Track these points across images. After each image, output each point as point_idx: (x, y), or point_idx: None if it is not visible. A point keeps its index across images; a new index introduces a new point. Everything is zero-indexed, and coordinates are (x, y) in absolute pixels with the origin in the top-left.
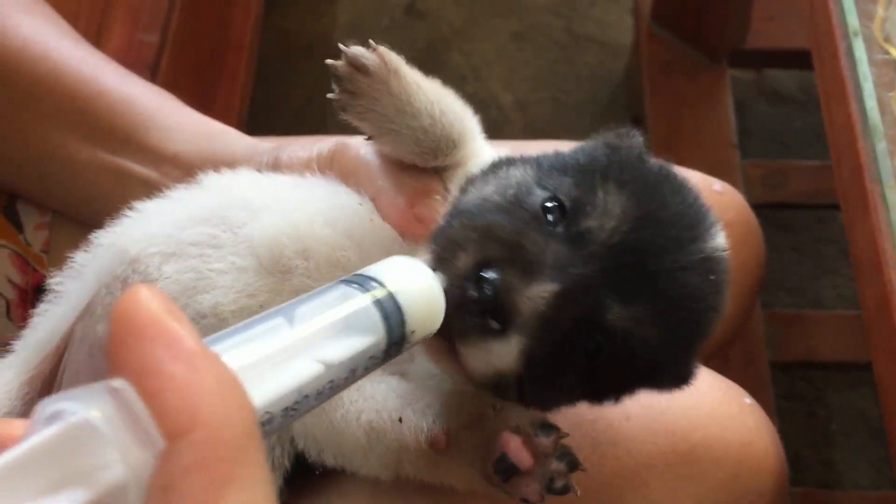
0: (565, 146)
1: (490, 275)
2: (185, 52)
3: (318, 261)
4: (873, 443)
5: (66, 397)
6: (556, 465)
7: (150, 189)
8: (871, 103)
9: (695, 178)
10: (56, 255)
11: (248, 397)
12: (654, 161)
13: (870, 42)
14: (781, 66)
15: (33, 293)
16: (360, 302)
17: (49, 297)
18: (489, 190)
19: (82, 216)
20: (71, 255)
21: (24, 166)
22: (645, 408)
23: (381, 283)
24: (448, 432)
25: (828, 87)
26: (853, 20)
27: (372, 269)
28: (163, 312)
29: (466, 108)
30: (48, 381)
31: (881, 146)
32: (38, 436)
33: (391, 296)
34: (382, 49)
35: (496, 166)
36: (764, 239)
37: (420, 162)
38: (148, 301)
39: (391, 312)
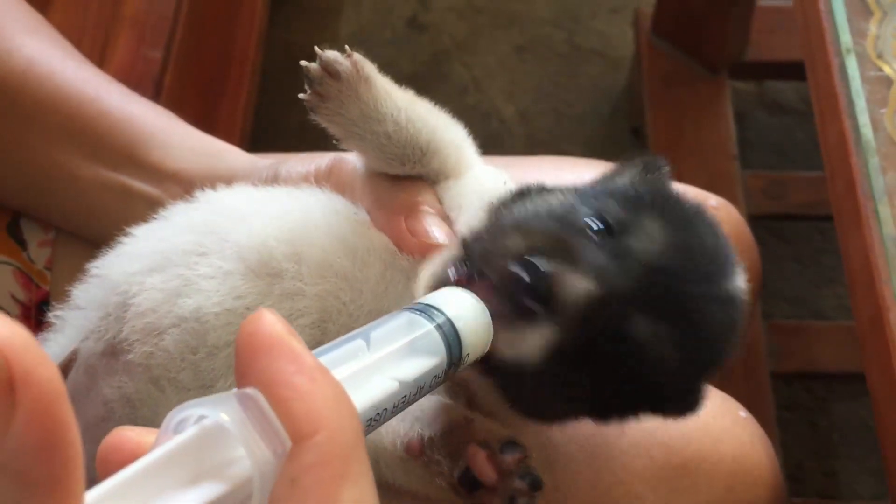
0: (567, 161)
1: (537, 260)
2: (189, 67)
3: (309, 265)
4: (875, 453)
5: (195, 405)
6: (519, 484)
7: (152, 205)
8: (863, 119)
9: (691, 194)
10: (59, 272)
11: (355, 407)
12: (691, 198)
13: (862, 59)
14: (782, 77)
15: (37, 310)
16: (426, 327)
17: (51, 327)
18: (530, 207)
19: (85, 233)
20: (76, 275)
21: (28, 184)
22: (640, 422)
23: (441, 311)
24: (421, 439)
25: (821, 102)
26: (846, 37)
27: (432, 298)
28: (285, 333)
29: (453, 122)
30: None
31: (873, 162)
32: (178, 437)
33: (450, 322)
34: (357, 56)
35: (525, 193)
36: (761, 252)
37: (389, 169)
38: (272, 323)
39: (451, 337)
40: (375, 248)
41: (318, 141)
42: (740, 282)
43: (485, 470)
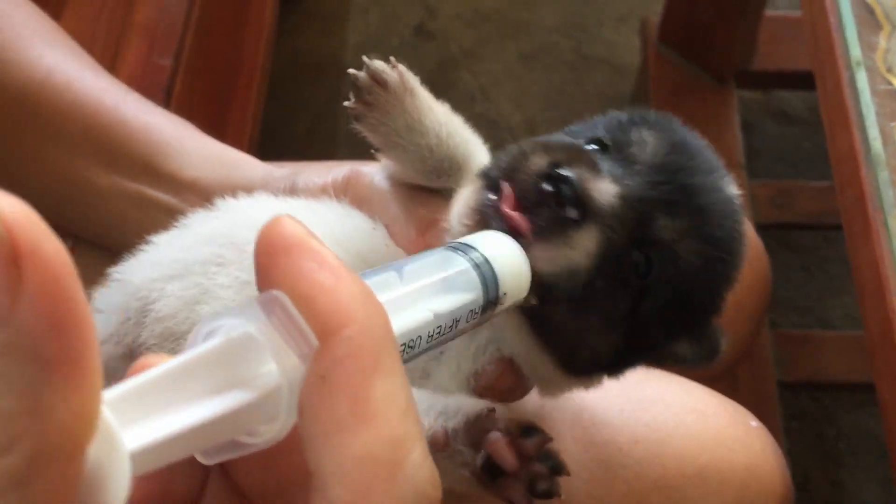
0: None
1: (565, 171)
2: (199, 74)
3: None
4: (882, 463)
5: (221, 315)
6: (539, 468)
7: (168, 214)
8: (873, 133)
9: None
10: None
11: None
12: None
13: (872, 73)
14: (789, 86)
15: None
16: (461, 263)
17: None
18: (530, 142)
19: (103, 241)
20: (93, 283)
21: (46, 193)
22: (653, 431)
23: (477, 249)
24: (445, 431)
25: (831, 115)
26: (856, 51)
27: (469, 238)
28: (306, 233)
29: (475, 135)
30: None
31: (883, 175)
32: (201, 347)
33: (487, 261)
34: (402, 67)
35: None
36: (771, 260)
37: (424, 181)
38: (292, 225)
39: (487, 274)
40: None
41: (326, 147)
42: (732, 184)
43: (505, 455)
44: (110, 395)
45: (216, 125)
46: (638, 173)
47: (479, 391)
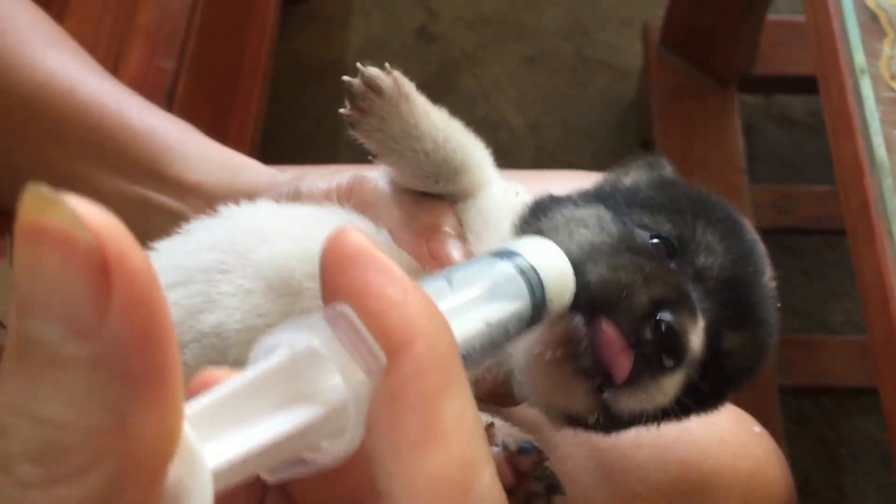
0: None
1: (668, 317)
2: (201, 77)
3: None
4: (883, 468)
5: (286, 328)
6: (535, 486)
7: (172, 218)
8: (877, 140)
9: None
10: None
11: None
12: (711, 193)
13: (876, 80)
14: (790, 91)
15: None
16: (508, 271)
17: None
18: (586, 233)
19: None
20: None
21: None
22: (656, 437)
23: (523, 257)
24: None
25: (835, 122)
26: (860, 58)
27: (515, 245)
28: (372, 245)
29: (476, 139)
30: None
31: (887, 182)
32: (267, 362)
33: (533, 268)
34: (397, 73)
35: (544, 205)
36: (772, 266)
37: (422, 186)
38: (358, 236)
39: (534, 282)
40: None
41: (327, 150)
42: (770, 274)
43: (501, 471)
44: (189, 411)
45: (218, 128)
46: (710, 292)
47: (477, 396)
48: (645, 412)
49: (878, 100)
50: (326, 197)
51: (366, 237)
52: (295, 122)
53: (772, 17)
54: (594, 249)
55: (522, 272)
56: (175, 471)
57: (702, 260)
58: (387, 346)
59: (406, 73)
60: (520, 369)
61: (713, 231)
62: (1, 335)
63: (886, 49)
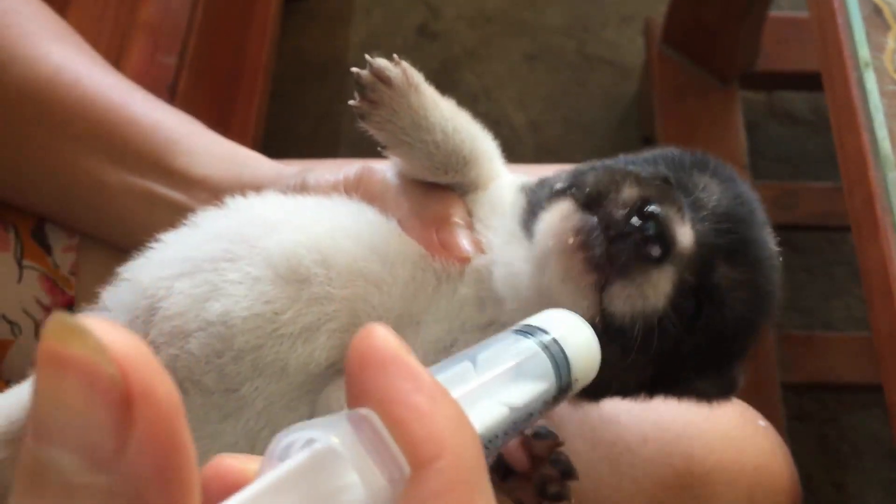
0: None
1: (654, 208)
2: (203, 73)
3: (338, 269)
4: (885, 464)
5: (303, 427)
6: (550, 471)
7: (177, 211)
8: (882, 134)
9: None
10: (84, 278)
11: (475, 430)
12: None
13: (881, 73)
14: (793, 87)
15: None
16: (534, 350)
17: None
18: (593, 170)
19: (111, 238)
20: (101, 280)
21: (54, 190)
22: (663, 430)
23: (547, 332)
24: None
25: (839, 116)
26: (864, 52)
27: (538, 320)
28: (401, 348)
29: (483, 131)
30: None
31: (892, 176)
32: (288, 462)
33: (559, 346)
34: (406, 64)
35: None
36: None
37: (431, 177)
38: (386, 338)
39: (560, 361)
40: (405, 253)
41: (328, 147)
42: (773, 239)
43: (516, 456)
44: None
45: (220, 124)
46: (706, 219)
47: None
48: (642, 317)
49: (883, 93)
50: (334, 189)
51: (394, 337)
52: (296, 120)
53: (774, 13)
54: (596, 170)
55: (546, 348)
56: None
57: (698, 194)
58: (412, 459)
59: None
60: (529, 263)
61: (712, 178)
62: (1, 328)
63: (891, 42)
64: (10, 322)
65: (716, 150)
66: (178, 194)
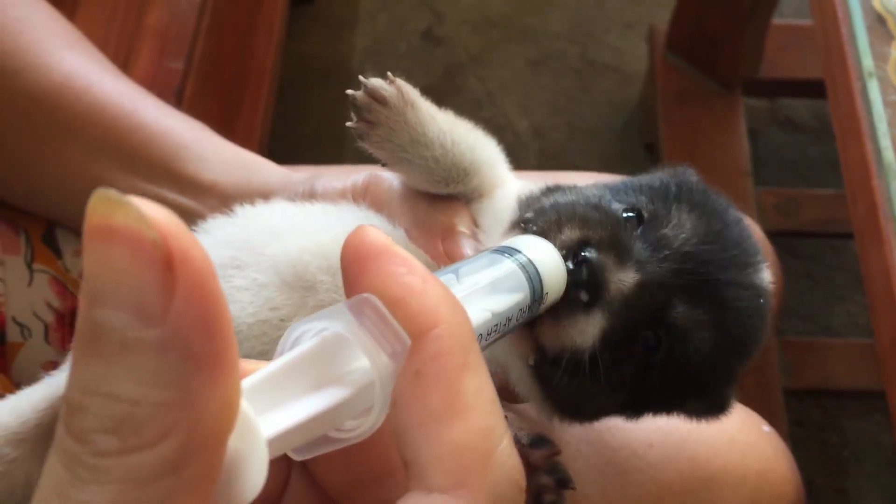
0: (583, 176)
1: (589, 253)
2: (209, 78)
3: None
4: (886, 470)
5: (311, 319)
6: (545, 480)
7: (188, 217)
8: (885, 143)
9: None
10: None
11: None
12: (717, 194)
13: (884, 83)
14: (795, 94)
15: (71, 317)
16: (510, 266)
17: None
18: (569, 197)
19: None
20: None
21: (65, 196)
22: (667, 435)
23: (522, 253)
24: None
25: (843, 125)
26: (868, 62)
27: (512, 242)
28: (391, 242)
29: (487, 139)
30: None
31: (895, 185)
32: (300, 348)
33: (531, 262)
34: (400, 81)
35: (553, 190)
36: (777, 270)
37: (433, 189)
38: (377, 233)
39: (533, 276)
40: None
41: (333, 152)
42: (766, 275)
43: None
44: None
45: (226, 128)
46: (665, 259)
47: None
48: (571, 352)
49: (886, 103)
50: (341, 196)
51: (384, 234)
52: (300, 124)
53: (777, 21)
54: (559, 205)
55: (522, 267)
56: (234, 441)
57: (667, 231)
58: (411, 330)
59: (411, 75)
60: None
61: (691, 213)
62: (11, 331)
63: (894, 52)
64: (21, 325)
65: (718, 157)
66: (187, 200)
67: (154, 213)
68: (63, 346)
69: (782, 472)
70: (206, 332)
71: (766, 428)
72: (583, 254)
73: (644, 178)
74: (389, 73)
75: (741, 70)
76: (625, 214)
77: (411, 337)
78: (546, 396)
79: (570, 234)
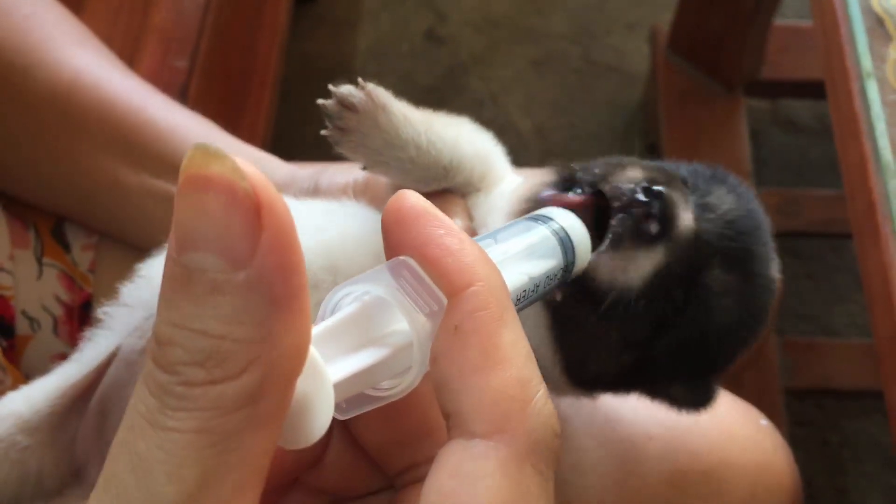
0: None
1: (661, 188)
2: (213, 76)
3: (345, 276)
4: (886, 470)
5: (351, 283)
6: None
7: None
8: (883, 142)
9: None
10: (102, 275)
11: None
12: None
13: (882, 83)
14: (797, 96)
15: (79, 311)
16: (545, 232)
17: (99, 323)
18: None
19: (129, 238)
20: (118, 278)
21: (74, 190)
22: (667, 429)
23: (556, 221)
24: None
25: (842, 126)
26: (867, 62)
27: (546, 211)
28: (431, 206)
29: (480, 135)
30: (85, 392)
31: (893, 184)
32: (341, 312)
33: (564, 230)
34: (371, 86)
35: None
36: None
37: (415, 188)
38: (417, 198)
39: (566, 244)
40: None
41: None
42: (776, 268)
43: None
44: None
45: (230, 127)
46: (712, 221)
47: None
48: (617, 290)
49: (885, 103)
50: (343, 192)
51: (423, 199)
52: (303, 123)
53: (778, 22)
54: (614, 159)
55: (556, 234)
56: (302, 384)
57: (711, 199)
58: (448, 288)
59: (414, 75)
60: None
61: (728, 190)
62: (21, 324)
63: (892, 53)
64: (30, 318)
65: (720, 157)
66: None
67: (246, 166)
68: (71, 339)
69: (781, 466)
70: (286, 277)
71: (765, 422)
72: (655, 188)
73: (673, 163)
74: (360, 80)
75: (743, 71)
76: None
77: (450, 294)
78: (559, 346)
79: (636, 172)
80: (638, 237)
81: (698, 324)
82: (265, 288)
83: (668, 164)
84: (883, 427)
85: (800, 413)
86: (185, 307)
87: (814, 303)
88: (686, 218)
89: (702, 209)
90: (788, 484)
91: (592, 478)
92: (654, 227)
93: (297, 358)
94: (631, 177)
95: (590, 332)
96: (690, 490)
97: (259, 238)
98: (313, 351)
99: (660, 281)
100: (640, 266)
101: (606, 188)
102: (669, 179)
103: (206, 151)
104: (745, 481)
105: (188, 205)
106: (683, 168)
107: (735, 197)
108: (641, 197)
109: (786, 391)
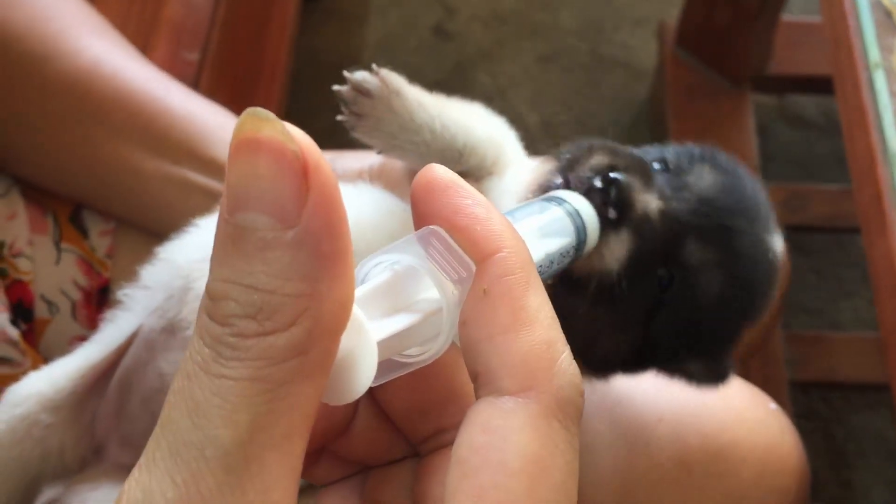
0: None
1: (617, 175)
2: (224, 70)
3: (361, 258)
4: (890, 464)
5: (382, 252)
6: None
7: (211, 198)
8: (890, 133)
9: None
10: (119, 260)
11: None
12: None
13: (890, 74)
14: (803, 91)
15: (97, 295)
16: (559, 212)
17: (119, 304)
18: (602, 144)
19: (146, 224)
20: (135, 263)
21: (93, 177)
22: (676, 411)
23: (569, 202)
24: None
25: (849, 116)
26: (874, 54)
27: (559, 193)
28: (458, 178)
29: (493, 120)
30: (106, 372)
31: None
32: (372, 281)
33: (577, 211)
34: (384, 72)
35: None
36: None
37: None
38: (445, 170)
39: (578, 224)
40: None
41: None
42: (779, 244)
43: None
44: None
45: None
46: (685, 200)
47: None
48: (598, 276)
49: (892, 93)
50: (359, 177)
51: (451, 172)
52: (312, 118)
53: (786, 17)
54: (592, 141)
55: (570, 215)
56: (345, 341)
57: (688, 178)
58: (477, 255)
59: (422, 69)
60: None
61: (713, 171)
62: (40, 308)
63: None
64: (49, 302)
65: (727, 152)
66: (212, 181)
67: (294, 130)
68: (89, 322)
69: (788, 448)
70: (332, 234)
71: (773, 405)
72: (611, 175)
73: (673, 146)
74: (374, 66)
75: (750, 66)
76: (654, 163)
77: (478, 260)
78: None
79: (599, 159)
80: (604, 223)
81: (686, 298)
82: (312, 245)
83: (650, 148)
84: (887, 420)
85: (805, 406)
86: (237, 264)
87: (819, 297)
88: (645, 200)
89: (676, 189)
90: (796, 466)
91: (604, 458)
92: (612, 213)
93: (342, 313)
94: (593, 164)
95: (586, 320)
96: (699, 470)
97: (306, 198)
98: (356, 309)
99: (637, 262)
100: (614, 250)
101: (570, 176)
102: (630, 165)
103: (256, 116)
104: (753, 462)
105: (240, 167)
106: (670, 150)
107: (718, 175)
108: (598, 184)
109: (791, 384)
